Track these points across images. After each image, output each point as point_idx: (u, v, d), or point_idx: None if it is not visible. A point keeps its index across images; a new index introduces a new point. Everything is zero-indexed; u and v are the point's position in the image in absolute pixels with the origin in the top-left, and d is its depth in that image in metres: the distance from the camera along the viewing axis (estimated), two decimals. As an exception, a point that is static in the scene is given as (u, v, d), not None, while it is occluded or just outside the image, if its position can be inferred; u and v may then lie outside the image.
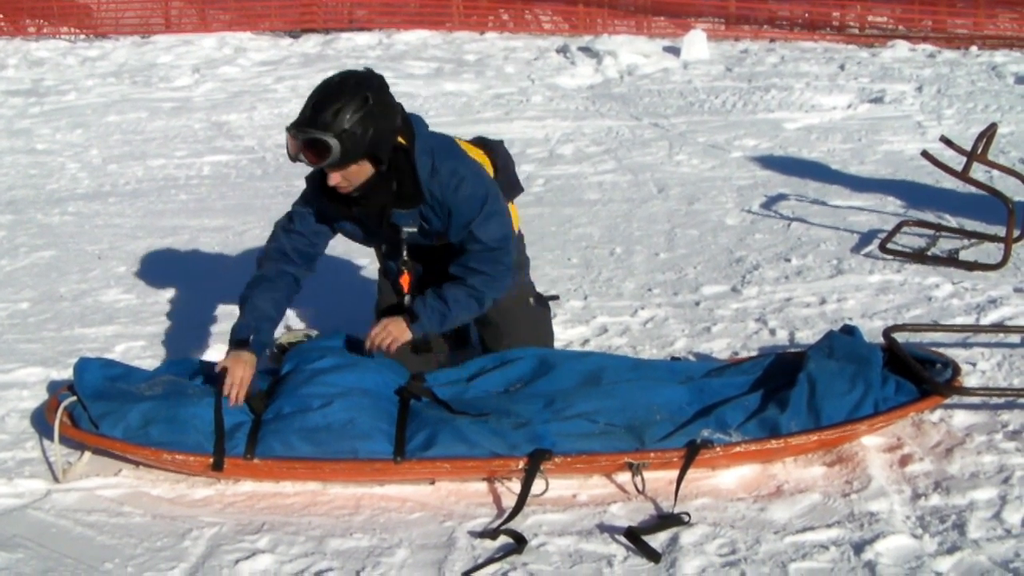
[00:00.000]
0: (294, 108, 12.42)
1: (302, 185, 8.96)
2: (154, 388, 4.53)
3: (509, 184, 5.07)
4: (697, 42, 14.95)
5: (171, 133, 11.81)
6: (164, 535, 4.03)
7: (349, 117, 4.25)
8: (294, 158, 4.36)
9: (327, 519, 4.12)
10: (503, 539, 3.89)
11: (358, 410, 4.29)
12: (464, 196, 4.56)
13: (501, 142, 5.24)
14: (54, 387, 5.19)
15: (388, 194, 4.54)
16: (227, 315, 6.16)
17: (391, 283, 4.97)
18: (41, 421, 4.77)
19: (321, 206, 4.72)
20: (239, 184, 9.49)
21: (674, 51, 15.09)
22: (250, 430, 4.29)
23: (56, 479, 4.40)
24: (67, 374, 5.26)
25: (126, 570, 3.81)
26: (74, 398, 4.47)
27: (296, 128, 4.29)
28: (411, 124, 4.57)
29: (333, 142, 4.24)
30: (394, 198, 4.56)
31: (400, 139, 4.47)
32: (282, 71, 15.04)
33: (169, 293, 6.61)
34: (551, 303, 5.55)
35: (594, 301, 6.13)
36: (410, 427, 4.29)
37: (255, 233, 7.85)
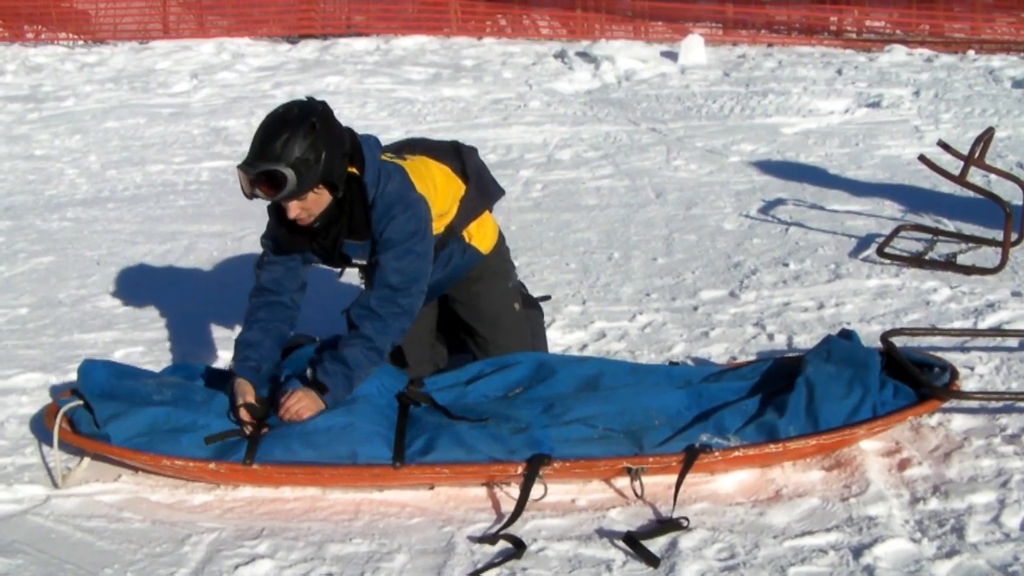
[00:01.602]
0: (292, 113, 12.41)
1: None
2: (163, 393, 4.53)
3: (484, 192, 5.03)
4: (695, 47, 14.98)
5: (169, 139, 11.82)
6: (164, 540, 4.03)
7: (299, 144, 4.20)
8: (250, 195, 4.32)
9: (326, 524, 4.12)
10: (502, 544, 3.89)
11: (357, 415, 4.29)
12: (395, 226, 4.47)
13: (474, 149, 5.18)
14: (53, 393, 5.19)
15: (341, 225, 4.52)
16: (226, 320, 6.17)
17: None
18: (40, 427, 4.77)
19: (282, 239, 4.67)
20: (237, 190, 9.37)
21: (672, 56, 15.12)
22: (250, 436, 4.29)
23: (55, 485, 4.40)
24: (66, 380, 5.28)
25: (125, 575, 3.82)
26: (74, 403, 4.47)
27: (247, 164, 4.25)
28: (361, 150, 4.52)
29: (288, 172, 4.20)
30: (347, 230, 4.54)
31: (352, 168, 4.44)
32: (280, 77, 15.04)
33: (168, 299, 6.61)
34: (543, 303, 5.55)
35: (592, 306, 6.13)
36: (409, 432, 4.29)
37: (253, 239, 7.84)
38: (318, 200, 4.38)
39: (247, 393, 4.46)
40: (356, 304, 4.59)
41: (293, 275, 4.79)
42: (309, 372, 4.46)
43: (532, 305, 5.43)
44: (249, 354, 4.63)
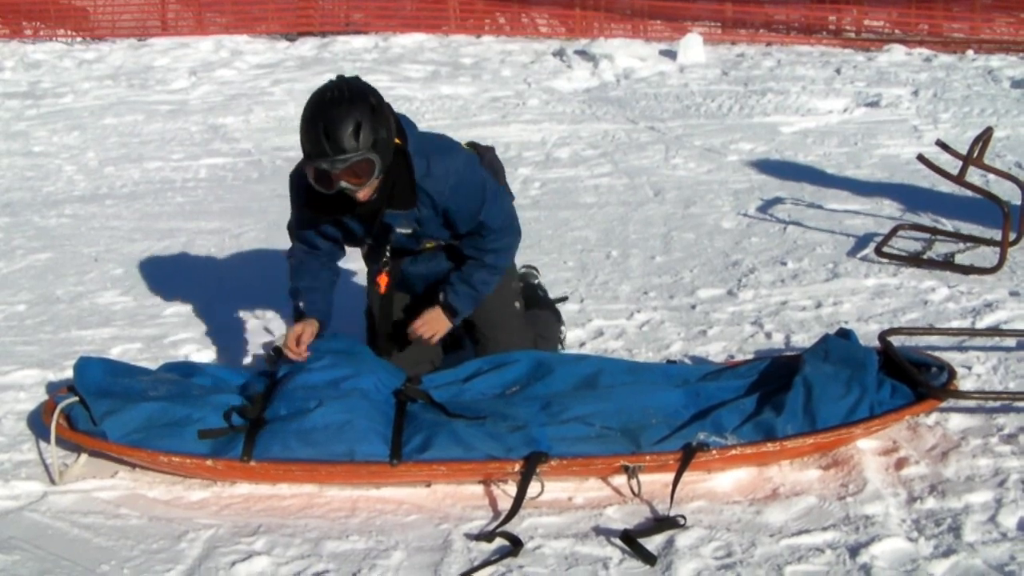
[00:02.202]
0: (290, 111, 12.48)
1: (299, 188, 8.96)
2: (158, 388, 4.53)
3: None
4: (693, 46, 14.98)
5: (168, 136, 11.81)
6: (160, 537, 4.03)
7: (371, 126, 4.25)
8: (332, 189, 4.32)
9: (323, 521, 4.12)
10: (499, 542, 3.89)
11: (355, 412, 4.29)
12: (464, 192, 4.60)
13: (492, 148, 5.25)
14: (51, 389, 5.19)
15: (382, 196, 4.53)
16: (224, 317, 6.18)
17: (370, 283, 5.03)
18: (38, 423, 4.77)
19: (310, 215, 4.71)
20: (236, 187, 9.49)
21: (670, 55, 15.12)
22: (247, 432, 4.29)
23: (53, 481, 4.40)
24: (64, 376, 5.27)
25: (122, 572, 3.81)
26: (71, 399, 4.47)
27: (330, 161, 4.23)
28: (401, 123, 4.56)
29: (374, 157, 4.26)
30: (388, 199, 4.55)
31: (396, 139, 4.47)
32: (279, 74, 15.05)
33: (166, 295, 6.61)
34: (574, 309, 5.53)
35: (590, 304, 6.13)
36: (406, 430, 4.29)
37: (251, 236, 7.86)
38: (380, 177, 4.43)
39: (310, 326, 4.67)
40: (470, 244, 4.80)
41: (328, 245, 4.91)
42: (440, 296, 4.80)
43: (548, 306, 5.42)
44: (314, 297, 4.81)
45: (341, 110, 4.23)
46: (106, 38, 18.76)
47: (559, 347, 5.40)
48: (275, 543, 3.97)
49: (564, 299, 5.76)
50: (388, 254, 4.83)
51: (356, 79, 4.45)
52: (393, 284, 4.91)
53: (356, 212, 4.58)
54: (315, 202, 4.58)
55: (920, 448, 4.38)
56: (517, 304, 5.16)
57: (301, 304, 4.77)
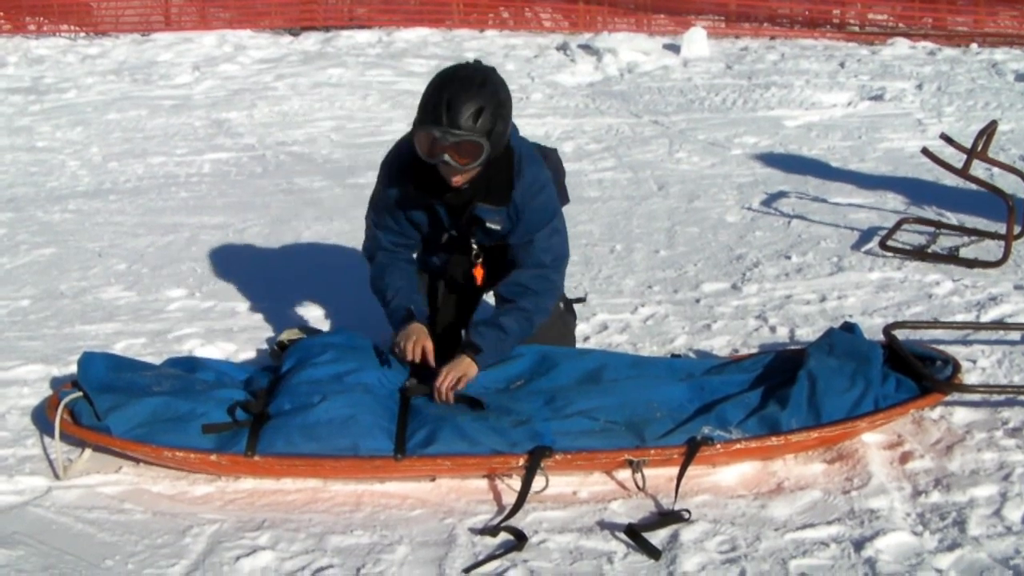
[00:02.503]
0: (294, 106, 12.48)
1: (302, 184, 9.04)
2: (162, 383, 4.54)
3: (559, 195, 5.10)
4: (697, 40, 14.95)
5: (171, 131, 11.80)
6: (165, 532, 4.03)
7: (492, 116, 4.30)
8: (435, 159, 4.34)
9: (328, 516, 4.12)
10: (504, 536, 3.89)
11: (359, 407, 4.29)
12: (538, 205, 4.63)
13: (555, 151, 5.29)
14: (55, 384, 5.19)
15: (477, 188, 4.54)
16: (228, 312, 6.18)
17: (443, 277, 5.05)
18: (42, 418, 4.77)
19: (398, 196, 4.73)
20: (239, 182, 9.49)
21: (674, 49, 15.08)
22: (251, 427, 4.28)
23: (57, 476, 4.40)
24: (68, 371, 5.27)
25: (126, 567, 3.82)
26: (75, 394, 4.47)
27: (445, 130, 4.26)
28: None
29: (485, 143, 4.29)
30: (483, 193, 4.56)
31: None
32: (282, 69, 15.02)
33: (169, 290, 6.61)
34: (576, 305, 5.53)
35: (594, 298, 6.12)
36: (411, 424, 4.29)
37: (255, 231, 7.85)
38: (478, 168, 4.45)
39: (421, 342, 4.57)
40: (509, 282, 4.70)
41: (406, 240, 4.92)
42: (464, 335, 4.67)
43: (568, 308, 5.40)
44: (417, 298, 4.81)
45: (471, 89, 4.30)
46: (109, 33, 18.73)
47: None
48: (279, 538, 3.97)
49: (583, 300, 5.75)
50: (476, 246, 4.82)
51: (493, 70, 4.50)
52: (487, 276, 4.90)
53: (447, 200, 4.60)
54: (410, 184, 4.61)
55: (925, 442, 4.38)
56: (561, 304, 5.12)
57: (412, 307, 4.71)
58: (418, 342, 4.57)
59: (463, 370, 4.48)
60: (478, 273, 4.87)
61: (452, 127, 4.25)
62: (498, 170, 4.54)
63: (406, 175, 4.61)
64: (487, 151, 4.32)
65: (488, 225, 4.66)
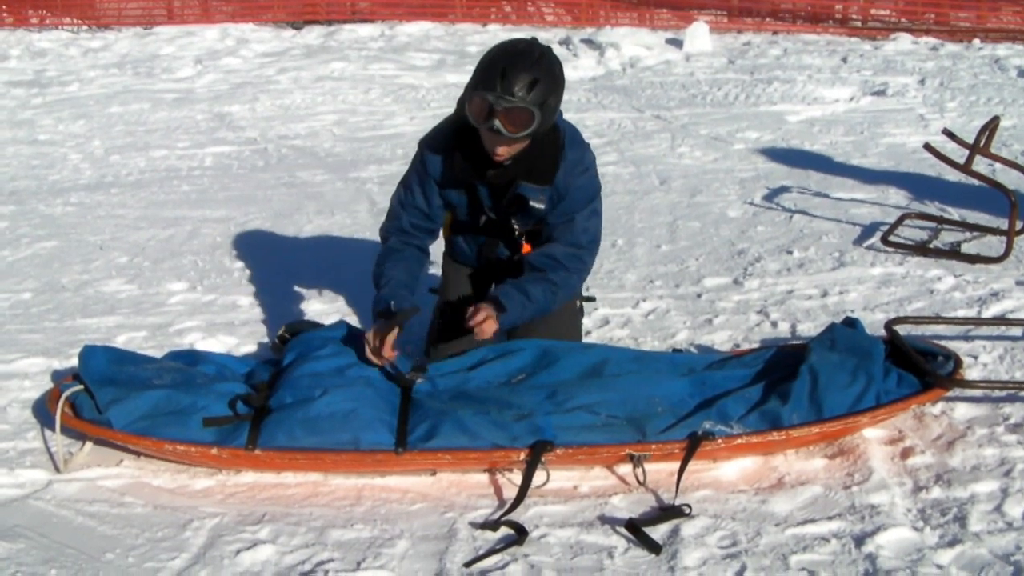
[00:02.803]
0: (296, 99, 12.49)
1: (304, 177, 9.04)
2: (163, 377, 4.53)
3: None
4: (700, 34, 14.96)
5: (173, 124, 11.81)
6: (165, 525, 4.03)
7: (547, 88, 4.32)
8: (485, 124, 4.34)
9: (328, 510, 4.12)
10: (504, 530, 3.89)
11: (360, 400, 4.28)
12: (581, 185, 4.65)
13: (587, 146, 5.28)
14: (56, 377, 5.19)
15: (521, 167, 4.56)
16: (229, 306, 6.18)
17: (484, 261, 5.02)
18: (43, 411, 4.77)
19: (439, 173, 4.73)
20: (241, 175, 9.49)
21: (677, 43, 15.09)
22: (252, 421, 4.28)
23: (57, 469, 4.40)
24: (68, 364, 5.27)
25: (127, 560, 3.81)
26: (76, 388, 4.47)
27: (498, 96, 4.27)
28: None
29: (537, 113, 4.30)
30: (526, 172, 4.58)
31: None
32: (284, 62, 15.03)
33: (171, 284, 6.61)
34: (586, 304, 5.53)
35: (596, 293, 6.11)
36: (412, 418, 4.28)
37: (257, 224, 7.86)
38: (523, 141, 4.46)
39: (382, 338, 4.51)
40: (542, 253, 4.71)
41: (430, 224, 4.91)
42: (492, 291, 4.65)
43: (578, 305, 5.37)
44: (405, 295, 4.73)
45: (527, 61, 4.32)
46: (112, 26, 18.75)
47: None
48: (280, 531, 3.97)
49: (592, 299, 5.75)
50: (517, 227, 4.83)
51: (547, 47, 4.50)
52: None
53: (489, 179, 4.62)
54: (453, 161, 4.63)
55: (926, 437, 4.38)
56: (577, 300, 5.15)
57: (391, 304, 4.62)
58: (376, 334, 4.50)
59: (489, 325, 4.50)
60: (527, 250, 4.88)
61: (506, 93, 4.26)
62: (543, 149, 4.56)
63: (448, 153, 4.63)
64: (537, 122, 4.32)
65: (532, 204, 4.65)
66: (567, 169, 4.60)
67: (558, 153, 4.59)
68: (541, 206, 4.66)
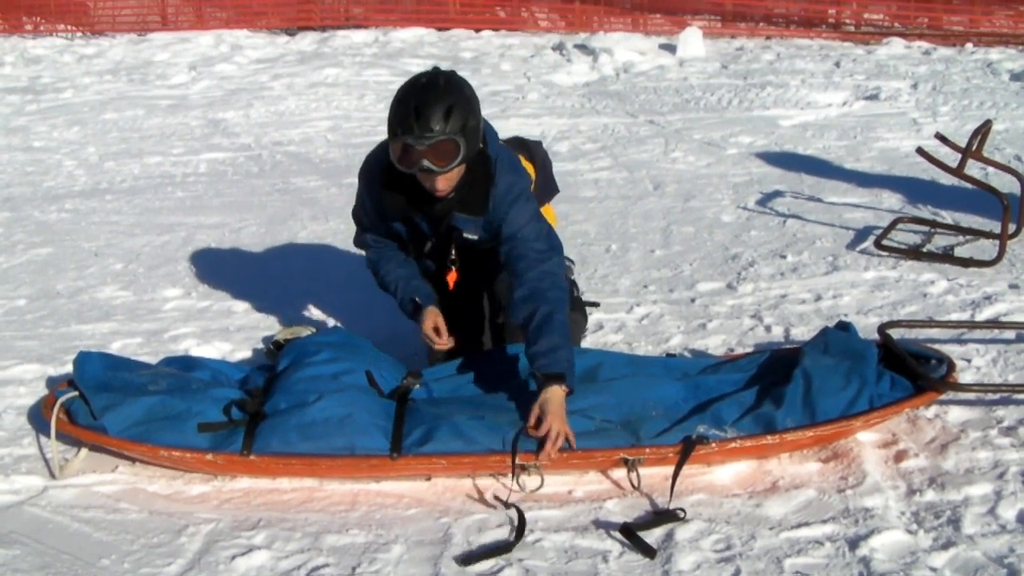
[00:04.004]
0: (290, 105, 12.47)
1: (299, 183, 9.05)
2: (158, 383, 4.53)
3: (547, 186, 5.12)
4: (693, 39, 14.96)
5: (168, 130, 11.81)
6: (161, 531, 4.03)
7: (462, 113, 4.27)
8: (414, 167, 4.32)
9: (323, 515, 4.13)
10: (499, 533, 3.90)
11: (355, 406, 4.29)
12: (517, 211, 4.57)
13: (539, 143, 5.29)
14: (51, 383, 5.20)
15: (455, 197, 4.53)
16: (224, 312, 6.18)
17: (430, 280, 4.97)
18: (38, 417, 4.77)
19: (377, 207, 4.73)
20: (236, 181, 9.49)
21: (670, 48, 15.09)
22: (247, 426, 4.29)
23: (53, 475, 4.41)
24: (64, 371, 5.28)
25: (122, 566, 3.82)
26: (71, 394, 4.47)
27: (415, 137, 4.24)
28: (485, 130, 4.57)
29: (460, 140, 4.26)
30: (460, 202, 4.55)
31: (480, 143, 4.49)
32: (279, 68, 15.03)
33: (165, 290, 6.61)
34: (591, 309, 5.52)
35: (590, 298, 6.13)
36: (407, 423, 4.29)
37: (251, 230, 7.86)
38: (460, 170, 4.43)
39: (437, 316, 4.68)
40: (523, 286, 4.47)
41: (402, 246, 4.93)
42: (539, 372, 4.25)
43: (578, 309, 5.31)
44: (418, 284, 4.81)
45: (436, 92, 4.28)
46: (106, 33, 18.74)
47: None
48: (275, 537, 3.97)
49: (596, 304, 5.74)
50: (454, 252, 4.80)
51: (452, 73, 4.47)
52: (460, 282, 4.88)
53: (427, 211, 4.59)
54: (388, 197, 4.60)
55: (919, 441, 4.38)
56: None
57: (417, 299, 4.75)
58: (428, 331, 4.67)
59: (561, 412, 4.16)
60: (450, 279, 4.85)
61: (424, 132, 4.22)
62: (475, 178, 4.52)
63: (383, 188, 4.59)
64: (464, 149, 4.28)
65: (466, 235, 4.65)
66: (499, 197, 4.55)
67: (489, 183, 4.53)
68: (475, 236, 4.65)
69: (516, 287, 4.51)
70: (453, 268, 4.82)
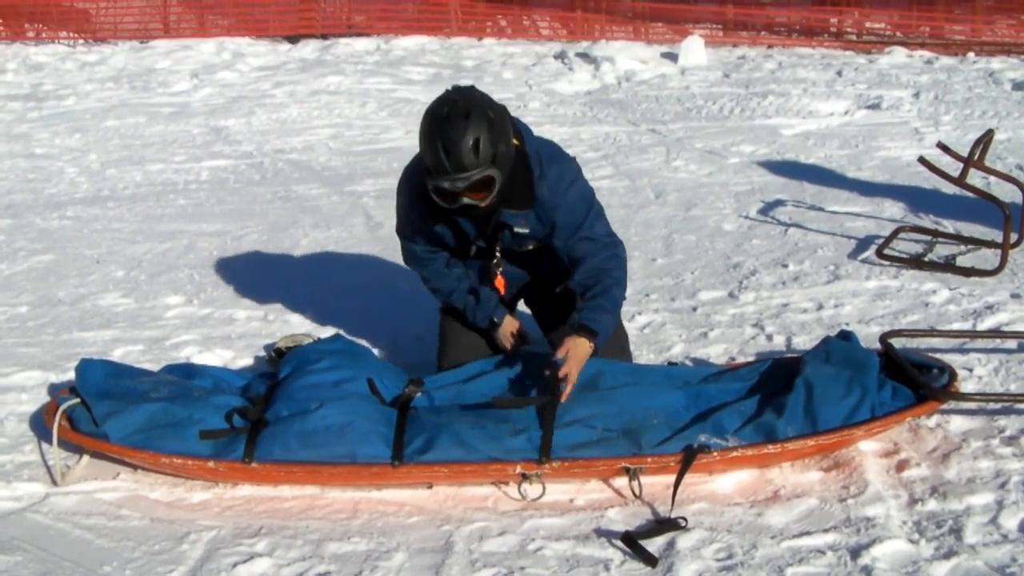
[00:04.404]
0: (292, 113, 12.49)
1: (300, 191, 9.06)
2: (159, 390, 4.53)
3: None
4: (695, 48, 14.97)
5: (169, 138, 11.82)
6: (162, 538, 4.03)
7: (490, 141, 4.26)
8: (454, 204, 4.36)
9: (325, 523, 4.13)
10: (502, 542, 3.90)
11: (356, 413, 4.29)
12: (573, 198, 4.61)
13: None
14: (53, 390, 5.20)
15: (498, 196, 4.51)
16: (225, 319, 6.18)
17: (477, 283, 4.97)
18: (40, 425, 4.78)
19: (419, 215, 4.72)
20: (237, 189, 9.50)
21: (672, 57, 15.11)
22: (249, 434, 4.29)
23: (54, 482, 4.41)
24: (65, 378, 5.28)
25: (124, 573, 3.82)
26: (73, 401, 4.47)
27: (451, 179, 4.25)
28: (515, 122, 4.56)
29: (495, 172, 4.28)
30: (505, 200, 4.54)
31: (514, 140, 4.48)
32: (280, 76, 15.04)
33: (167, 297, 6.62)
34: None
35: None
36: (408, 431, 4.29)
37: (253, 238, 7.86)
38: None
39: (514, 323, 4.84)
40: (583, 271, 4.67)
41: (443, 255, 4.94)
42: (578, 318, 4.54)
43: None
44: (486, 302, 4.87)
45: (458, 126, 4.24)
46: (108, 40, 18.75)
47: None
48: (277, 545, 3.97)
49: None
50: (499, 254, 4.80)
51: (471, 89, 4.44)
52: (509, 285, 4.92)
53: (471, 214, 4.57)
54: (429, 207, 4.58)
55: (921, 450, 4.38)
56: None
57: (496, 318, 4.86)
58: (511, 333, 4.85)
59: (581, 362, 4.43)
60: (499, 283, 4.86)
61: (458, 172, 4.24)
62: (516, 174, 4.50)
63: (425, 195, 4.54)
64: (499, 177, 4.32)
65: (516, 230, 4.63)
66: (550, 188, 4.56)
67: (530, 176, 4.54)
68: (525, 230, 4.64)
69: (580, 264, 4.69)
70: (498, 272, 4.83)
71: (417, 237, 4.84)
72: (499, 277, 4.83)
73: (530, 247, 4.77)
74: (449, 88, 4.46)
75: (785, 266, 6.64)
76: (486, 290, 4.88)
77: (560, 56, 15.81)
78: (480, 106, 4.32)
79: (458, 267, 4.92)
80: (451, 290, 4.91)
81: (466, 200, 4.32)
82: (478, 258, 4.87)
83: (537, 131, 4.75)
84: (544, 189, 4.54)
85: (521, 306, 5.22)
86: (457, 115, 4.26)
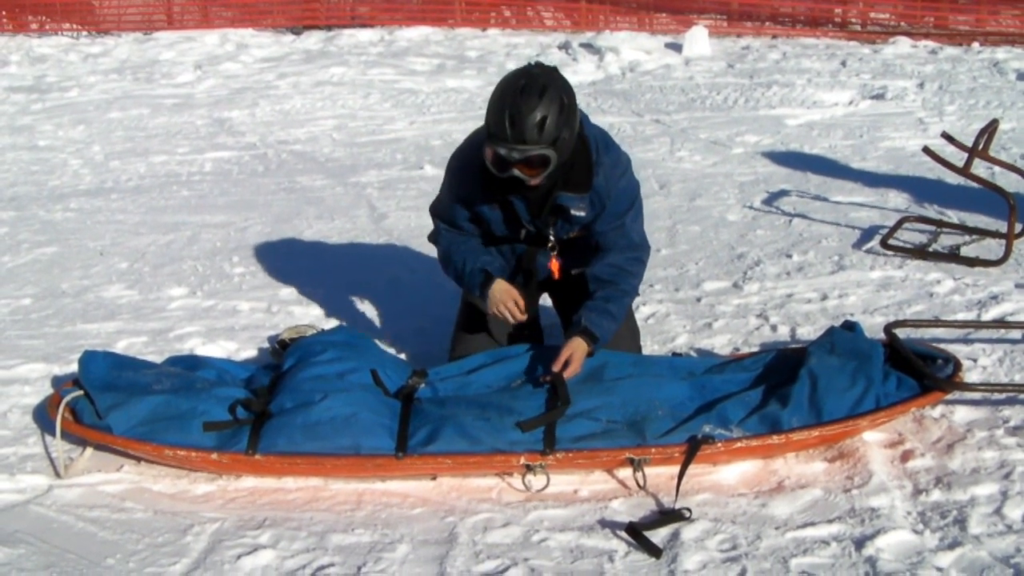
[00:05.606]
0: (296, 104, 12.48)
1: (304, 182, 9.04)
2: (162, 382, 4.53)
3: None
4: (699, 39, 14.96)
5: (173, 129, 11.81)
6: (166, 531, 4.03)
7: (556, 123, 4.26)
8: (504, 173, 4.36)
9: (329, 515, 4.12)
10: (505, 531, 3.90)
11: (360, 405, 4.29)
12: (623, 187, 4.64)
13: None
14: (56, 383, 5.20)
15: (555, 177, 4.52)
16: (229, 311, 6.17)
17: (524, 272, 4.95)
18: (43, 417, 4.77)
19: (471, 193, 4.71)
20: (241, 180, 9.49)
21: (676, 47, 15.10)
22: (252, 425, 4.29)
23: (58, 475, 4.41)
24: (69, 370, 5.27)
25: (127, 565, 3.82)
26: (77, 393, 4.47)
27: (508, 147, 4.26)
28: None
29: (551, 154, 4.28)
30: (563, 182, 4.55)
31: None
32: (284, 67, 15.04)
33: (171, 289, 6.61)
34: None
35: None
36: (412, 422, 4.29)
37: (257, 229, 7.86)
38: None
39: (514, 297, 4.71)
40: (604, 264, 4.69)
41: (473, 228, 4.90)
42: (583, 320, 4.56)
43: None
44: (487, 259, 4.82)
45: (531, 101, 4.26)
46: (111, 32, 18.77)
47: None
48: (280, 536, 3.97)
49: None
50: (553, 237, 4.79)
51: (553, 70, 4.46)
52: (564, 269, 4.91)
53: (526, 195, 4.59)
54: (484, 181, 4.58)
55: (926, 440, 4.38)
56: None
57: (488, 269, 4.76)
58: (507, 302, 4.69)
59: (581, 359, 4.49)
60: (555, 267, 4.87)
61: (517, 143, 4.25)
62: (575, 158, 4.51)
63: (480, 171, 4.56)
64: (555, 160, 4.31)
65: (573, 212, 4.62)
66: (606, 174, 4.57)
67: (590, 159, 4.55)
68: (582, 214, 4.63)
69: (604, 256, 4.70)
70: (553, 255, 4.84)
71: (455, 222, 4.83)
72: (554, 260, 4.85)
73: (573, 234, 4.77)
74: (531, 62, 4.50)
75: (789, 256, 6.63)
76: (492, 255, 4.86)
77: (564, 47, 15.80)
78: (557, 87, 4.34)
79: (478, 243, 4.90)
80: (456, 250, 4.84)
81: (516, 172, 4.32)
82: (528, 242, 4.87)
83: (541, 122, 4.70)
84: (600, 175, 4.56)
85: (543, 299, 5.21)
86: (533, 89, 4.28)
